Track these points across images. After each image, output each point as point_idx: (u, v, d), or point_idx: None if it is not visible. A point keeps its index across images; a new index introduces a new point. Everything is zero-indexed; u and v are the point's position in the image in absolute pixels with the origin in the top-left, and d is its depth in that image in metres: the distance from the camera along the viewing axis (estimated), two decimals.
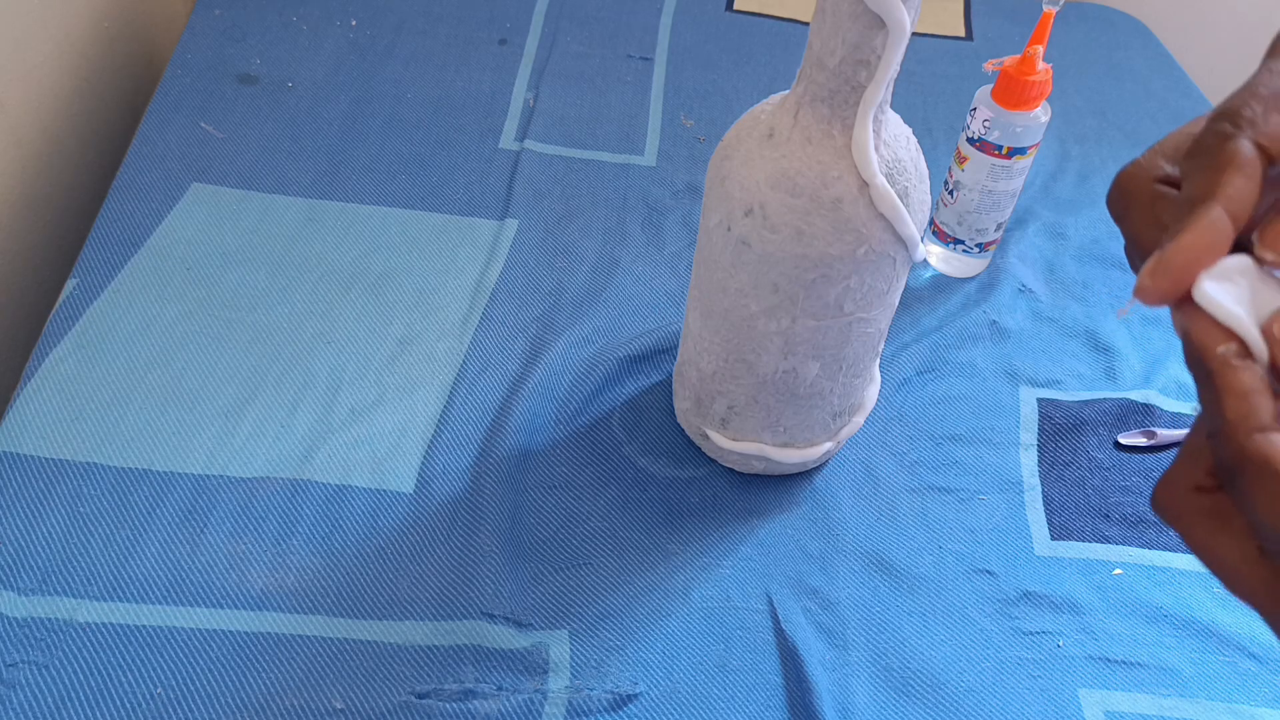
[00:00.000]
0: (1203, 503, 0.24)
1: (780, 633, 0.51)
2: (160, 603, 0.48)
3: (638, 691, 0.48)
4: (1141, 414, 0.63)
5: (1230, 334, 0.22)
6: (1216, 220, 0.23)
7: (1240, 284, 0.23)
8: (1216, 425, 0.22)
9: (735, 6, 0.98)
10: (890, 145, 0.44)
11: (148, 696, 0.45)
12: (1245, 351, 0.22)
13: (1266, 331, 0.22)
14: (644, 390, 0.62)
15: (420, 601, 0.50)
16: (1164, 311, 0.71)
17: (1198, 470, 0.24)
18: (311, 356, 0.60)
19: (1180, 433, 0.62)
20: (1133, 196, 0.26)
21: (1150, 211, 0.25)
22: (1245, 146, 0.23)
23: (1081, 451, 0.61)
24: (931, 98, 0.90)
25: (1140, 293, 0.23)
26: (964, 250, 0.70)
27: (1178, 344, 0.69)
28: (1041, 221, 0.77)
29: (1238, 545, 0.23)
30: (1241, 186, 0.23)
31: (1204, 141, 0.24)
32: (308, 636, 0.48)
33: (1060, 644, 0.52)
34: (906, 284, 0.62)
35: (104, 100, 0.81)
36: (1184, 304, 0.23)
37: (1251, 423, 0.22)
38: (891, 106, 0.45)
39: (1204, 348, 0.23)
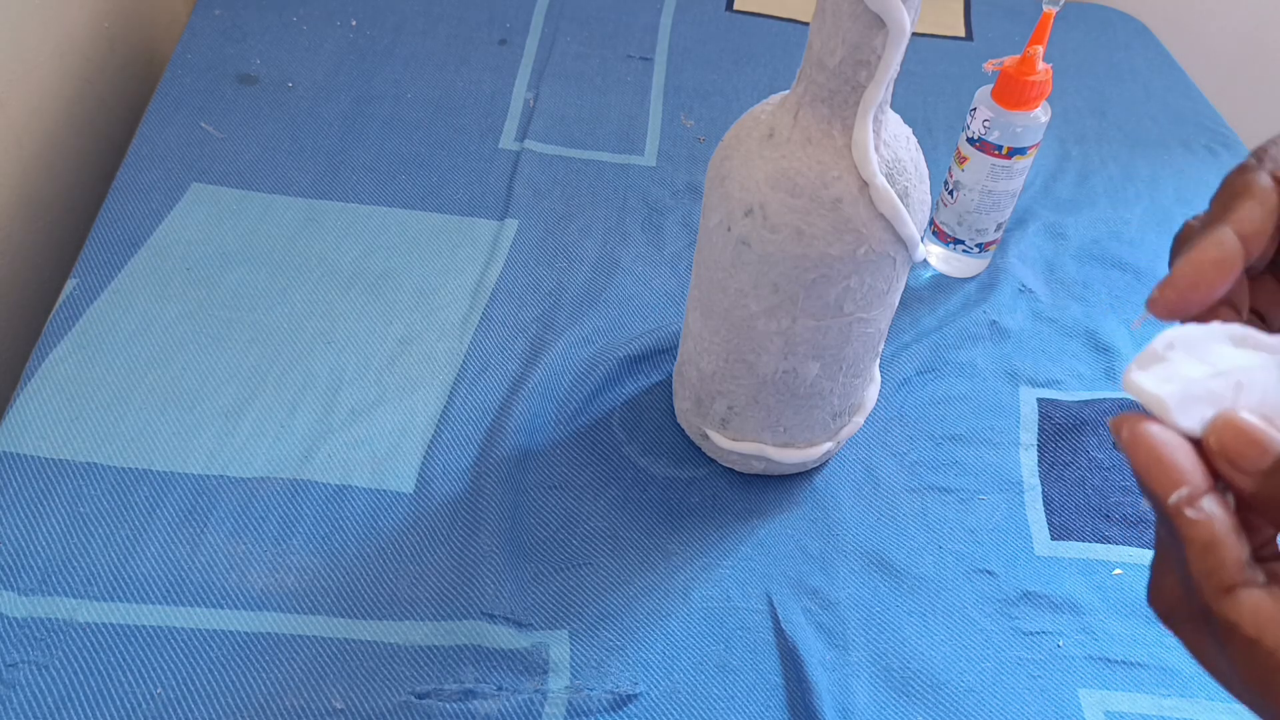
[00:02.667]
0: (1190, 609, 0.24)
1: (780, 633, 0.51)
2: (160, 603, 0.48)
3: (638, 691, 0.48)
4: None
5: (1178, 477, 0.22)
6: (1224, 238, 0.24)
7: (1174, 359, 0.23)
8: (1185, 572, 0.22)
9: (735, 6, 0.98)
10: (890, 145, 0.44)
11: (148, 696, 0.45)
12: (1198, 492, 0.22)
13: (1205, 444, 0.22)
14: (644, 390, 0.62)
15: (420, 601, 0.50)
16: None
17: (1175, 578, 0.24)
18: (311, 356, 0.60)
19: None
20: (1185, 243, 0.27)
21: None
22: (1262, 178, 0.24)
23: (1081, 451, 0.61)
24: (931, 98, 0.90)
25: (1150, 305, 0.24)
26: (964, 250, 0.70)
27: None
28: (1041, 221, 0.77)
29: (1224, 656, 0.23)
30: (1252, 211, 0.24)
31: (1229, 178, 0.25)
32: (308, 636, 0.48)
33: (1060, 644, 0.52)
34: (906, 284, 0.62)
35: (104, 100, 0.81)
36: (1121, 428, 0.23)
37: (1215, 582, 0.22)
38: (891, 106, 0.45)
39: (1155, 494, 0.23)
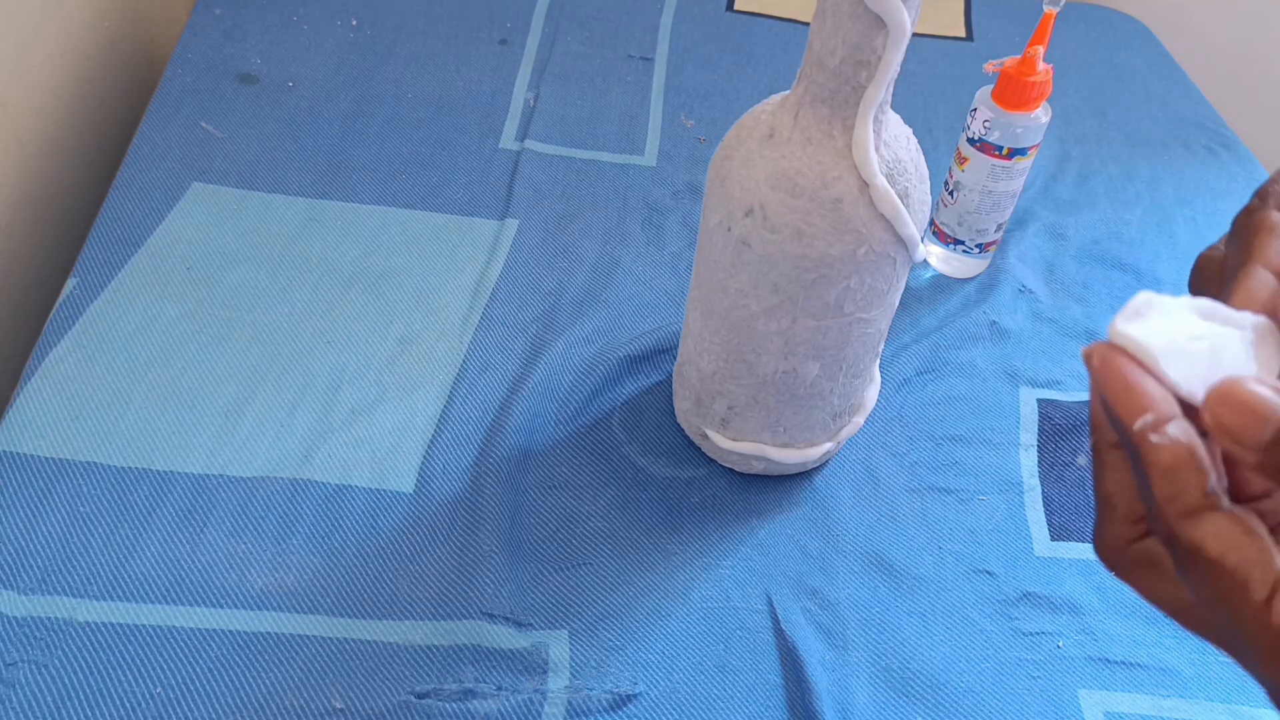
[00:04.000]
0: (1137, 554, 0.25)
1: (780, 633, 0.51)
2: (160, 602, 0.48)
3: (637, 691, 0.48)
4: None
5: (1146, 403, 0.23)
6: (1259, 276, 0.25)
7: (1153, 318, 0.24)
8: (1148, 499, 0.23)
9: (735, 6, 0.98)
10: (891, 146, 0.44)
11: (148, 696, 0.45)
12: (1164, 418, 0.22)
13: (1202, 418, 0.22)
14: (644, 390, 0.62)
15: (420, 601, 0.50)
16: None
17: (1122, 523, 0.25)
18: (311, 356, 0.60)
19: None
20: (1203, 273, 0.28)
21: (1219, 286, 0.27)
22: (1274, 215, 0.26)
23: (1081, 452, 0.61)
24: (932, 98, 0.90)
25: None
26: (964, 251, 0.70)
27: None
28: (1041, 222, 0.77)
29: (1179, 590, 0.24)
30: (1275, 247, 0.25)
31: (1239, 220, 0.26)
32: (308, 636, 0.48)
33: (1060, 644, 0.52)
34: (906, 284, 0.62)
35: (104, 100, 0.81)
36: (1093, 355, 0.24)
37: (1179, 505, 0.22)
38: (892, 107, 0.45)
39: (1122, 420, 0.23)
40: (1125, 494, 0.24)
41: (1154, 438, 0.22)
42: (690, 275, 0.66)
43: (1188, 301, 0.24)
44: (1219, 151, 0.88)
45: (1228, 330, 0.24)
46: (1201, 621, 0.24)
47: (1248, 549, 0.21)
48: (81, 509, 0.51)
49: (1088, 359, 0.24)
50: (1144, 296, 0.24)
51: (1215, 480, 0.22)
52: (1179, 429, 0.22)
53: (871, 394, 0.57)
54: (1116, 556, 0.25)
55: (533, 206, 0.73)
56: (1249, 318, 0.24)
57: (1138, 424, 0.22)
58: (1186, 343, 0.23)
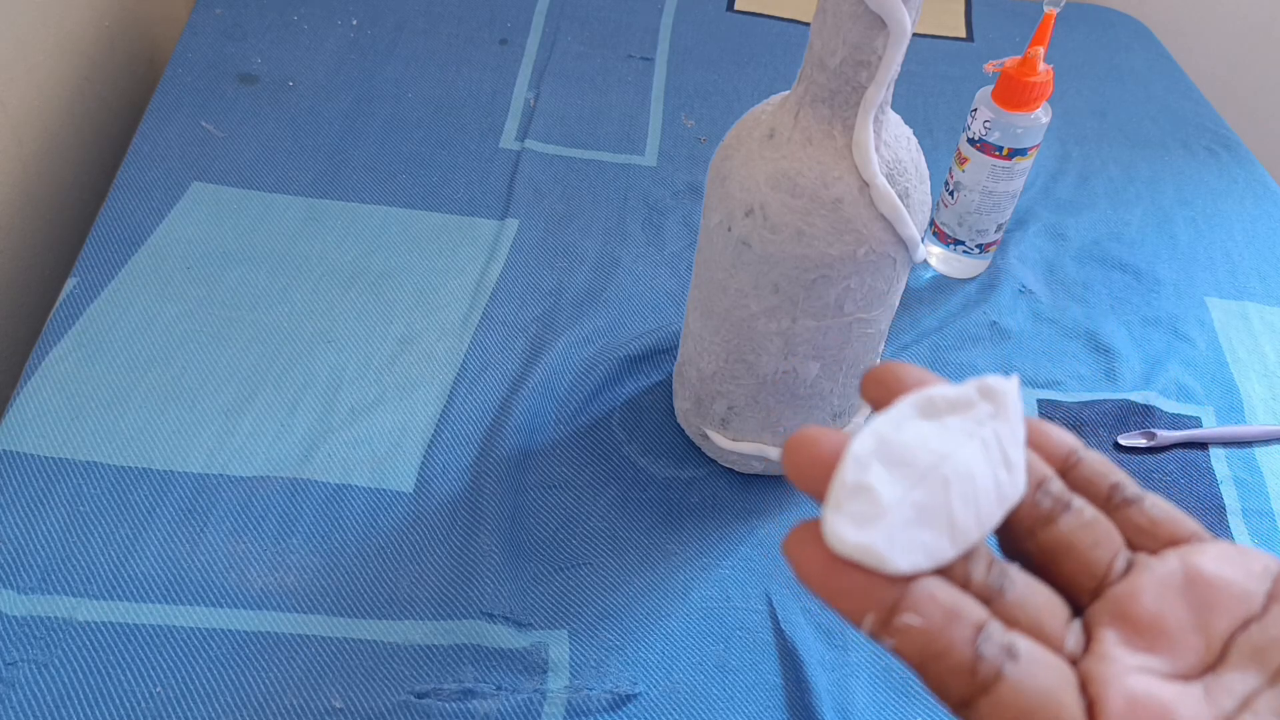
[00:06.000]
0: None
1: (780, 633, 0.51)
2: (160, 602, 0.48)
3: (637, 691, 0.48)
4: (1141, 415, 0.63)
5: (860, 602, 0.19)
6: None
7: (875, 479, 0.19)
8: None
9: (736, 7, 0.98)
10: (891, 146, 0.44)
11: (148, 696, 0.45)
12: (884, 612, 0.19)
13: (879, 628, 0.19)
14: (644, 390, 0.62)
15: (420, 601, 0.50)
16: (1164, 312, 0.71)
17: None
18: (311, 356, 0.60)
19: (1180, 434, 0.62)
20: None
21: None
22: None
23: None
24: (932, 99, 0.90)
25: None
26: (964, 251, 0.70)
27: (1178, 345, 0.69)
28: (1042, 223, 0.77)
29: None
30: None
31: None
32: (308, 636, 0.48)
33: None
34: (907, 285, 0.62)
35: (104, 100, 0.81)
36: (789, 556, 0.20)
37: (949, 699, 0.19)
38: (892, 107, 0.45)
39: (848, 621, 0.19)
40: None
41: (885, 642, 0.19)
42: (690, 275, 0.66)
43: (906, 407, 0.20)
44: (1219, 151, 0.88)
45: (954, 429, 0.20)
46: None
47: None
48: (81, 509, 0.51)
49: (785, 557, 0.19)
50: (856, 454, 0.19)
51: (988, 643, 0.19)
52: (913, 617, 0.19)
53: None
54: None
55: (533, 206, 0.73)
56: (971, 387, 0.21)
57: (864, 628, 0.19)
58: (914, 496, 0.19)
